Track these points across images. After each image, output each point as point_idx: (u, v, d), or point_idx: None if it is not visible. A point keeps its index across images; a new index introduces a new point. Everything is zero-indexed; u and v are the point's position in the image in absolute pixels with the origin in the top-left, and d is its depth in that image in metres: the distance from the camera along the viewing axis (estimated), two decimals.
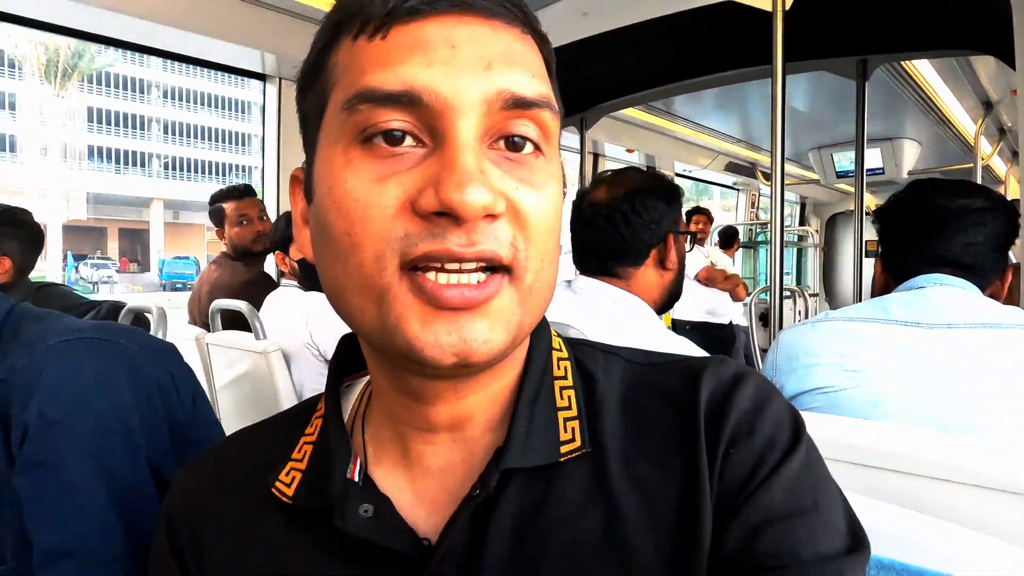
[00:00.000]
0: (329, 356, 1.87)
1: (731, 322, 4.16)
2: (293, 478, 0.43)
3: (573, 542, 0.38)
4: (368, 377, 0.49)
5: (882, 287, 1.08)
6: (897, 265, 1.04)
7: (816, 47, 2.07)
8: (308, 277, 1.97)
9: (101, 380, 0.65)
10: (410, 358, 0.35)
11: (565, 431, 0.41)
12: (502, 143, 0.36)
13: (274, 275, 2.39)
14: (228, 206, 2.26)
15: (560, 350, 0.45)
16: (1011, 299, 1.02)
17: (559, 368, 0.44)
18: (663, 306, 1.22)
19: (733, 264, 4.87)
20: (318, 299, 1.95)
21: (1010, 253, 1.06)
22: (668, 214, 1.16)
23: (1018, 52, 1.36)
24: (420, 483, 0.42)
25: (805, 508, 0.37)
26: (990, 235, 0.97)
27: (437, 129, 0.34)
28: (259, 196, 2.42)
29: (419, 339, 0.34)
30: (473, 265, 0.35)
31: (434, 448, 0.42)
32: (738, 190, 6.13)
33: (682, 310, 4.02)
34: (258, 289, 2.10)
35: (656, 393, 0.42)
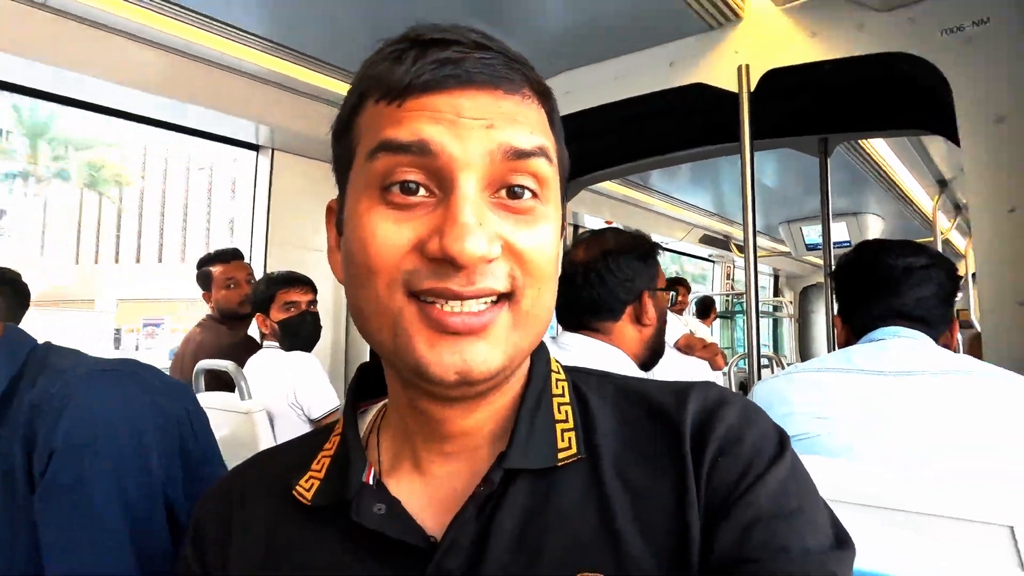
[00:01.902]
0: (313, 415, 1.87)
1: None
2: (312, 485, 0.47)
3: (571, 537, 0.41)
4: (381, 403, 0.54)
5: (844, 340, 1.15)
6: (856, 319, 1.12)
7: (780, 126, 2.21)
8: (288, 337, 1.99)
9: (126, 410, 0.68)
10: (418, 375, 0.40)
11: (562, 440, 0.45)
12: (503, 193, 0.41)
13: (257, 338, 2.40)
14: (216, 270, 2.29)
15: (558, 372, 0.50)
16: (950, 349, 1.10)
17: (557, 387, 0.49)
18: (646, 362, 1.26)
19: (711, 334, 4.96)
20: (302, 359, 1.96)
21: None
22: (643, 272, 1.21)
23: (962, 132, 1.48)
24: (430, 488, 0.46)
25: (791, 510, 0.40)
26: (936, 290, 1.06)
27: (445, 181, 0.40)
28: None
29: (425, 358, 0.40)
30: (473, 300, 0.40)
31: (443, 457, 0.46)
32: (713, 262, 6.31)
33: (662, 377, 4.04)
34: (243, 352, 2.11)
35: (646, 408, 0.47)
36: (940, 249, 3.33)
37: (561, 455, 0.44)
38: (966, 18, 1.48)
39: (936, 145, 2.93)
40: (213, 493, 0.53)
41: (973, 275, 1.80)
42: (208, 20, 1.83)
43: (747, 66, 1.77)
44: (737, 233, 5.02)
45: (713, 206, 4.54)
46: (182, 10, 1.77)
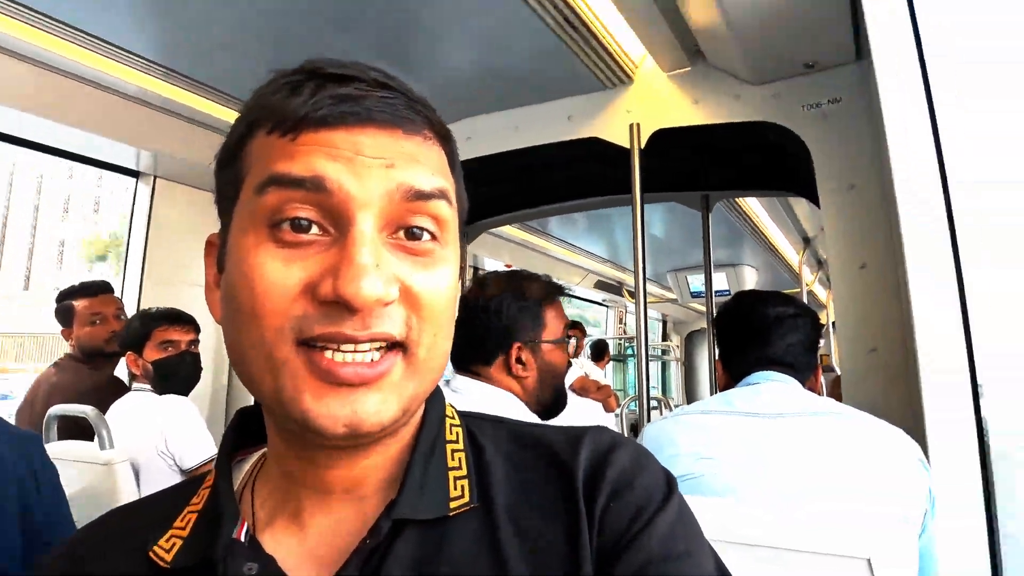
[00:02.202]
0: (185, 465, 1.72)
1: None
2: (173, 544, 0.42)
3: None
4: (260, 452, 0.49)
5: (724, 383, 1.22)
6: (733, 364, 1.20)
7: (667, 181, 2.38)
8: (164, 379, 1.84)
9: None
10: (304, 427, 0.37)
11: (455, 488, 0.43)
12: (402, 234, 0.40)
13: (125, 379, 2.19)
14: (79, 304, 2.08)
15: (453, 418, 0.48)
16: (815, 392, 1.20)
17: (451, 433, 0.47)
18: (538, 412, 1.22)
19: (604, 376, 5.11)
20: (175, 403, 1.80)
21: None
22: (520, 322, 1.17)
23: (821, 196, 1.66)
24: (311, 542, 0.42)
25: (680, 553, 0.41)
26: (803, 338, 1.16)
27: (340, 220, 0.38)
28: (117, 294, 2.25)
29: (312, 411, 0.37)
30: (367, 345, 0.38)
31: (328, 507, 0.43)
32: (607, 306, 6.56)
33: (558, 418, 4.10)
34: (107, 394, 1.90)
35: (540, 453, 0.46)
36: (806, 300, 3.67)
37: (453, 504, 0.42)
38: (822, 96, 1.68)
39: (801, 206, 3.26)
40: (55, 552, 0.47)
41: (834, 324, 1.99)
42: (86, 37, 1.70)
43: (638, 124, 1.89)
44: (629, 279, 5.26)
45: (607, 253, 4.74)
46: (55, 23, 1.64)
